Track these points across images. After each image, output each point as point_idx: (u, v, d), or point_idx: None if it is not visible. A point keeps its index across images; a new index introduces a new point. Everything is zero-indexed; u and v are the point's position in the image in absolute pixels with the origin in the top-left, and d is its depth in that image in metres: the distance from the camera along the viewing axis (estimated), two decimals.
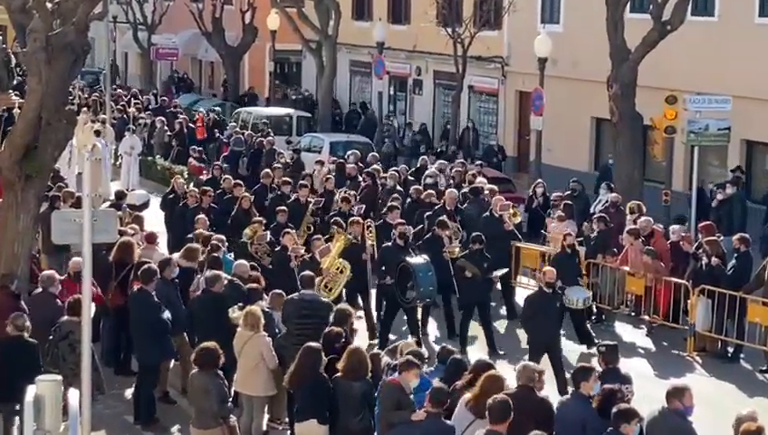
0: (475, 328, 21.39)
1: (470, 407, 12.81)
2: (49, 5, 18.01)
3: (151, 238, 20.77)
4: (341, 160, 30.91)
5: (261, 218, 22.96)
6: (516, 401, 12.24)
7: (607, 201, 26.48)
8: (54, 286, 17.24)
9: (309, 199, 25.27)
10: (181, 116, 41.92)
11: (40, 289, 17.32)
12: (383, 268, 20.91)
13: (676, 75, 30.52)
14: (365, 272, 21.52)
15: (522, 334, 21.84)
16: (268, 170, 28.10)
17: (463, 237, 23.34)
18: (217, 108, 45.56)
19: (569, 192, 27.42)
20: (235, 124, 40.54)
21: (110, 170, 33.88)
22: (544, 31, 34.23)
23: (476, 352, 20.23)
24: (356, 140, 38.19)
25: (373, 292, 22.11)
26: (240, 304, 16.86)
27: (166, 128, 39.95)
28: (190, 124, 40.99)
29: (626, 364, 16.52)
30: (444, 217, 22.67)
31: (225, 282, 17.47)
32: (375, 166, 29.78)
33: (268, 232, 21.95)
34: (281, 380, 15.51)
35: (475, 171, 29.17)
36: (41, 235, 20.62)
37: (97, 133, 33.83)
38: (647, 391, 17.52)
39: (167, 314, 17.04)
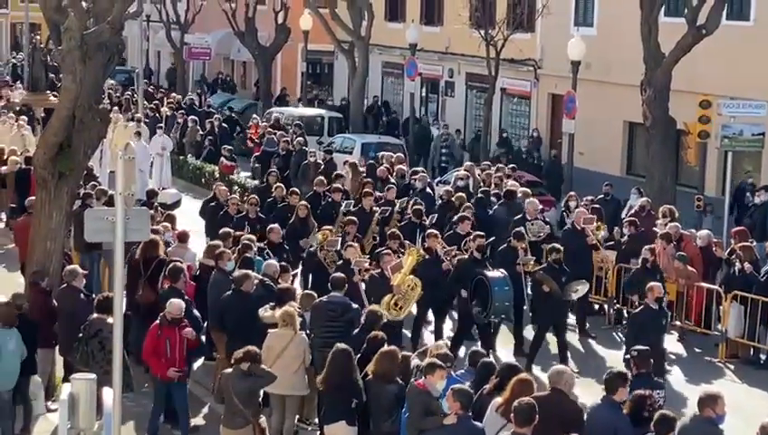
0: (506, 334, 21.18)
1: (501, 411, 12.75)
2: (84, 4, 18.05)
3: (183, 237, 20.80)
4: (372, 162, 30.83)
5: (330, 227, 22.40)
6: (547, 404, 12.20)
7: (638, 206, 26.34)
8: (78, 280, 17.33)
9: (374, 208, 24.42)
10: (214, 115, 41.94)
11: (65, 284, 17.44)
12: (457, 282, 20.10)
13: (710, 80, 30.35)
14: (441, 287, 20.39)
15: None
16: (322, 178, 27.07)
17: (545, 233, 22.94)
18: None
19: (601, 196, 27.34)
20: (266, 124, 40.57)
21: (147, 170, 33.74)
22: (578, 34, 34.14)
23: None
24: (387, 141, 38.15)
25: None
26: (271, 303, 16.86)
27: (198, 127, 40.01)
28: (223, 124, 41.00)
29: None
30: (521, 229, 21.74)
31: (256, 282, 17.49)
32: (400, 167, 29.67)
33: (339, 239, 21.19)
34: (312, 380, 15.51)
35: (502, 174, 29.09)
36: (72, 232, 20.67)
37: (138, 134, 33.81)
38: (677, 397, 17.48)
39: (197, 313, 17.11)
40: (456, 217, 23.00)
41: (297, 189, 25.93)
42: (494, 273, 19.69)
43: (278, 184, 26.25)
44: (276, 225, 21.82)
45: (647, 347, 15.42)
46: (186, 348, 16.18)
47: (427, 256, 20.33)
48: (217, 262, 18.45)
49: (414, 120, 42.55)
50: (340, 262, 19.79)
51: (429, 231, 21.53)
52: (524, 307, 21.19)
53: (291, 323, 15.77)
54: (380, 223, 24.05)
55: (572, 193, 26.97)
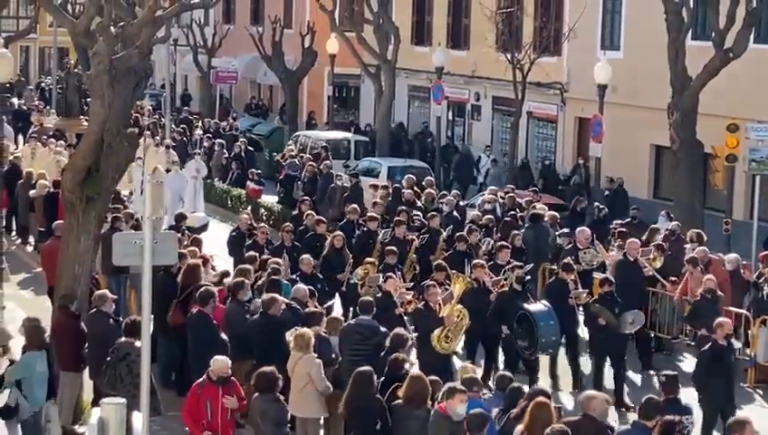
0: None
1: None
2: (113, 29, 18.17)
3: (203, 261, 20.80)
4: (397, 186, 30.77)
5: (373, 259, 21.87)
6: (577, 430, 12.17)
7: (666, 230, 26.24)
8: (107, 305, 17.41)
9: (409, 237, 23.87)
10: (241, 139, 41.98)
11: (93, 308, 17.52)
12: (498, 317, 19.50)
13: (737, 103, 30.27)
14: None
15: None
16: (355, 205, 26.65)
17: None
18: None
19: (628, 219, 27.26)
20: (293, 148, 40.64)
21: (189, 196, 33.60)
22: (604, 57, 34.08)
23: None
24: (413, 164, 38.14)
25: None
26: (298, 327, 16.85)
27: (225, 151, 40.10)
28: (249, 148, 40.98)
29: (685, 395, 16.31)
30: (568, 260, 21.16)
31: (283, 306, 17.48)
32: (429, 190, 29.61)
33: (380, 275, 20.32)
34: (336, 403, 15.51)
35: (530, 197, 29.06)
36: (100, 255, 20.75)
37: (176, 163, 33.76)
38: None
39: (224, 337, 17.11)
40: (497, 245, 22.56)
41: (323, 214, 25.67)
42: (538, 306, 19.10)
43: (309, 212, 25.56)
44: (308, 255, 21.27)
45: (675, 373, 15.40)
46: (230, 413, 14.72)
47: (475, 285, 19.74)
48: (236, 293, 18.19)
49: (451, 146, 42.42)
50: (380, 295, 19.26)
51: (475, 261, 21.03)
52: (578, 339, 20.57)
53: (301, 345, 15.76)
54: (420, 251, 23.58)
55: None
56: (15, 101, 54.32)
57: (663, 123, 29.57)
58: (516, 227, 25.42)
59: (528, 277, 21.03)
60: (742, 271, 22.90)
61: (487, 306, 19.62)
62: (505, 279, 20.42)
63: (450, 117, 46.15)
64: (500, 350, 20.30)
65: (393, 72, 43.51)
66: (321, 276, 21.15)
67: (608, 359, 19.70)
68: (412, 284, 21.56)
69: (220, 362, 14.71)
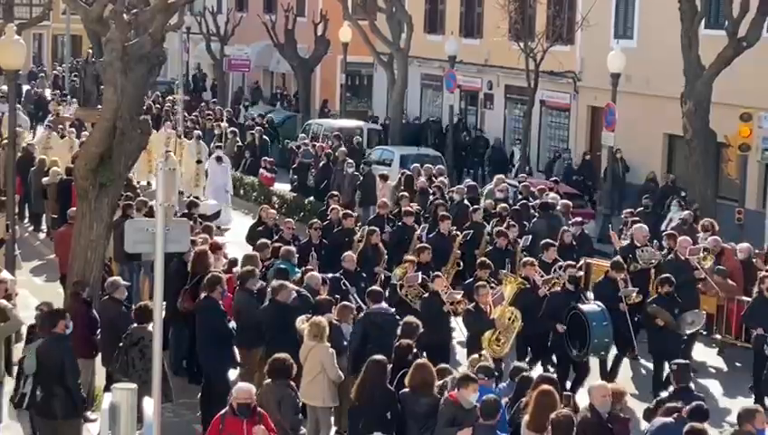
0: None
1: (532, 428, 12.72)
2: (125, 16, 18.19)
3: (215, 248, 20.82)
4: (410, 174, 30.70)
5: (413, 258, 20.80)
6: (581, 420, 12.26)
7: (679, 219, 26.22)
8: (119, 292, 17.44)
9: (454, 232, 23.19)
10: (256, 127, 41.92)
11: (106, 295, 17.57)
12: (550, 317, 18.64)
13: (751, 92, 30.20)
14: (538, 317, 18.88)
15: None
16: (385, 199, 26.08)
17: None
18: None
19: (641, 208, 27.23)
20: (305, 136, 40.61)
21: (231, 191, 33.62)
22: (617, 46, 34.05)
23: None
24: (426, 153, 38.10)
25: None
26: (308, 314, 16.87)
27: (238, 139, 40.10)
28: (264, 136, 40.96)
29: (697, 384, 16.34)
30: (619, 258, 20.52)
31: (294, 294, 17.49)
32: (442, 179, 29.54)
33: (420, 273, 19.60)
34: (347, 392, 15.53)
35: (544, 186, 29.02)
36: (112, 242, 20.80)
37: (219, 159, 33.73)
38: (717, 412, 17.38)
39: (232, 324, 17.14)
40: (541, 244, 21.71)
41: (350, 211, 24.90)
42: (591, 306, 18.47)
43: (334, 207, 24.60)
44: (350, 252, 20.59)
45: (687, 361, 15.40)
46: None
47: (526, 285, 18.93)
48: (245, 282, 18.03)
49: (481, 138, 42.44)
50: (426, 295, 18.79)
51: (526, 259, 20.25)
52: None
53: (315, 334, 15.79)
54: (467, 246, 22.94)
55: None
56: (36, 89, 54.39)
57: (676, 112, 29.54)
58: (527, 216, 25.43)
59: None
60: (754, 260, 22.88)
61: (536, 305, 18.86)
62: (558, 278, 19.70)
63: (463, 106, 46.13)
64: (549, 351, 19.53)
65: (406, 61, 43.49)
66: (364, 275, 20.45)
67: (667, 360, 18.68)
68: (452, 284, 20.94)
69: (242, 390, 13.18)
